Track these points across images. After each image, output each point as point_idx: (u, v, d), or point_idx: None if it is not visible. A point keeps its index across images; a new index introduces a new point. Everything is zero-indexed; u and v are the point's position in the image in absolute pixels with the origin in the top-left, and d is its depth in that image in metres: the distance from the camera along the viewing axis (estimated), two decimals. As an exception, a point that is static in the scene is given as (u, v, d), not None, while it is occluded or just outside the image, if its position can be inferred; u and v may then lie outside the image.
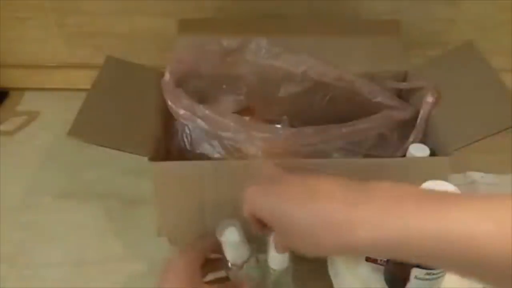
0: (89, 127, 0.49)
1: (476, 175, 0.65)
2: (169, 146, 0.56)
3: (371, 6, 0.73)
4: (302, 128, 0.52)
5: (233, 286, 0.47)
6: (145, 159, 0.49)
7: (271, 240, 0.44)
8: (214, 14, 0.74)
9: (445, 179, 0.39)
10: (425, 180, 0.37)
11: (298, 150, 0.52)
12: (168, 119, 0.58)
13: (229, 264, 0.47)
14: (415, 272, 0.39)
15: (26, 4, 0.75)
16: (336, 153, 0.53)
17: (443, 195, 0.30)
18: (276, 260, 0.45)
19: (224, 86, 0.61)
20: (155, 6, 0.74)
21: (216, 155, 0.53)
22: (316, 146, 0.52)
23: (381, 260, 0.46)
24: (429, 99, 0.55)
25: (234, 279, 0.48)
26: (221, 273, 0.49)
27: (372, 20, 0.70)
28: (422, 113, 0.55)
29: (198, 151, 0.54)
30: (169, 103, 0.53)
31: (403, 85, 0.62)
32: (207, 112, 0.52)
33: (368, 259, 0.46)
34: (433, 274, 0.39)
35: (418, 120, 0.56)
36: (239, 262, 0.46)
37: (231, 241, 0.45)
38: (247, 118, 0.59)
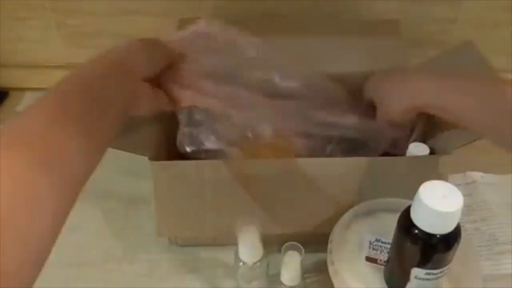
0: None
1: (476, 175, 0.65)
2: (169, 146, 0.56)
3: (371, 6, 0.73)
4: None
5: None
6: (145, 159, 0.49)
7: (285, 257, 0.45)
8: (214, 14, 0.74)
9: (445, 178, 0.39)
10: (425, 179, 0.37)
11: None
12: (168, 119, 0.58)
13: (240, 263, 0.47)
14: (415, 272, 0.39)
15: (26, 4, 0.75)
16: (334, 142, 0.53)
17: None
18: (289, 278, 0.46)
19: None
20: (155, 6, 0.74)
21: (219, 146, 0.53)
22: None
23: (381, 260, 0.46)
24: None
25: (243, 276, 0.49)
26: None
27: (372, 20, 0.70)
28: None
29: (198, 148, 0.54)
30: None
31: None
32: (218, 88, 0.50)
33: (368, 259, 0.46)
34: (433, 274, 0.39)
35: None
36: (250, 261, 0.46)
37: (247, 239, 0.45)
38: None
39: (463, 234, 0.38)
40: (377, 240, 0.47)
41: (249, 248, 0.46)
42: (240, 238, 0.45)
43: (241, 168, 0.51)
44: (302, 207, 0.51)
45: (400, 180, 0.51)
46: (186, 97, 0.47)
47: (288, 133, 0.53)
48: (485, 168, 0.66)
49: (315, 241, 0.48)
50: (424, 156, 0.53)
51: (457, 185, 0.37)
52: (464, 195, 0.36)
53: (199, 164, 0.52)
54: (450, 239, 0.37)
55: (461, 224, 0.38)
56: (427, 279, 0.39)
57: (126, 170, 0.67)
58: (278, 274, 0.47)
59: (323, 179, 0.51)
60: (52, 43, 0.79)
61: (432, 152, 0.54)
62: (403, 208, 0.40)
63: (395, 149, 0.56)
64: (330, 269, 0.45)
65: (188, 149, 0.54)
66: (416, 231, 0.37)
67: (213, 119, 0.52)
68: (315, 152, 0.54)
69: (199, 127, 0.53)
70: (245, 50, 0.54)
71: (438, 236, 0.37)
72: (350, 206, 0.50)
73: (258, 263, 0.47)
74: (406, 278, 0.40)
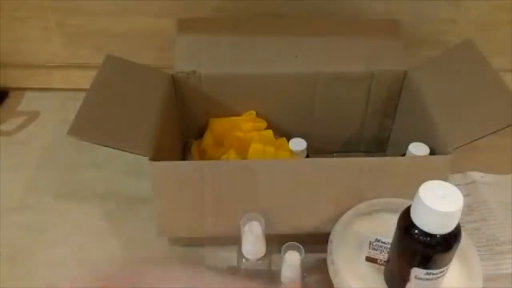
0: (89, 126, 0.49)
1: (476, 175, 0.65)
2: (169, 146, 0.55)
3: (371, 6, 0.73)
4: None
5: None
6: (145, 159, 0.49)
7: (285, 256, 0.45)
8: (213, 14, 0.74)
9: (445, 178, 0.39)
10: (425, 179, 0.37)
11: None
12: (168, 119, 0.58)
13: (243, 259, 0.47)
14: (415, 272, 0.39)
15: (26, 4, 0.75)
16: None
17: None
18: (289, 278, 0.46)
19: None
20: (155, 6, 0.74)
21: None
22: None
23: (381, 260, 0.46)
24: None
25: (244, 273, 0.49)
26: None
27: (372, 20, 0.70)
28: None
29: None
30: None
31: None
32: None
33: (368, 259, 0.46)
34: (433, 274, 0.39)
35: None
36: (253, 258, 0.47)
37: (251, 234, 0.45)
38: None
39: (463, 234, 0.38)
40: (377, 240, 0.47)
41: (252, 244, 0.46)
42: (244, 234, 0.45)
43: (241, 168, 0.51)
44: (302, 207, 0.51)
45: (400, 180, 0.51)
46: None
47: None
48: (485, 168, 0.66)
49: (315, 241, 0.48)
50: (424, 156, 0.53)
51: (457, 185, 0.37)
52: (464, 195, 0.36)
53: (199, 164, 0.52)
54: (450, 239, 0.37)
55: (461, 224, 0.38)
56: (427, 279, 0.39)
57: (126, 170, 0.68)
58: (278, 274, 0.47)
59: (323, 179, 0.51)
60: (52, 43, 0.79)
61: (432, 152, 0.54)
62: (403, 208, 0.40)
63: None
64: (330, 269, 0.45)
65: None
66: (416, 231, 0.37)
67: None
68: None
69: None
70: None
71: (438, 236, 0.37)
72: (350, 206, 0.50)
73: (261, 260, 0.47)
74: (406, 278, 0.40)
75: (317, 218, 0.51)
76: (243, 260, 0.47)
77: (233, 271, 0.52)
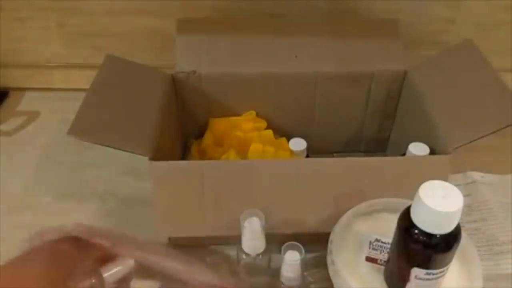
0: (89, 126, 0.49)
1: (476, 175, 0.65)
2: (169, 146, 0.55)
3: (371, 5, 0.73)
4: None
5: None
6: (145, 159, 0.49)
7: (285, 256, 0.45)
8: (213, 14, 0.74)
9: (445, 178, 0.39)
10: (425, 179, 0.37)
11: None
12: (168, 119, 0.58)
13: (243, 255, 0.47)
14: (415, 272, 0.39)
15: (26, 4, 0.75)
16: None
17: None
18: (289, 278, 0.47)
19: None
20: (155, 6, 0.74)
21: None
22: None
23: (381, 260, 0.46)
24: None
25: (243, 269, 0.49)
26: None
27: (372, 20, 0.70)
28: None
29: None
30: None
31: None
32: None
33: (368, 259, 0.46)
34: (433, 274, 0.39)
35: None
36: (253, 253, 0.47)
37: (251, 229, 0.45)
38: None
39: (463, 234, 0.38)
40: (377, 240, 0.47)
41: (252, 239, 0.46)
42: (243, 230, 0.45)
43: (241, 168, 0.51)
44: (302, 207, 0.51)
45: (400, 180, 0.51)
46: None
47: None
48: (485, 168, 0.66)
49: (315, 241, 0.48)
50: (424, 156, 0.53)
51: (457, 185, 0.37)
52: (464, 195, 0.36)
53: (199, 164, 0.52)
54: (450, 239, 0.37)
55: (461, 224, 0.38)
56: (427, 279, 0.39)
57: (126, 170, 0.67)
58: (278, 274, 0.47)
59: (323, 179, 0.51)
60: (52, 43, 0.79)
61: (432, 152, 0.54)
62: (403, 208, 0.40)
63: None
64: (330, 269, 0.45)
65: None
66: (416, 231, 0.37)
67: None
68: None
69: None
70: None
71: (438, 236, 0.37)
72: (350, 206, 0.50)
73: (261, 256, 0.47)
74: (406, 278, 0.40)
75: (317, 218, 0.51)
76: (243, 255, 0.47)
77: (233, 271, 0.52)
